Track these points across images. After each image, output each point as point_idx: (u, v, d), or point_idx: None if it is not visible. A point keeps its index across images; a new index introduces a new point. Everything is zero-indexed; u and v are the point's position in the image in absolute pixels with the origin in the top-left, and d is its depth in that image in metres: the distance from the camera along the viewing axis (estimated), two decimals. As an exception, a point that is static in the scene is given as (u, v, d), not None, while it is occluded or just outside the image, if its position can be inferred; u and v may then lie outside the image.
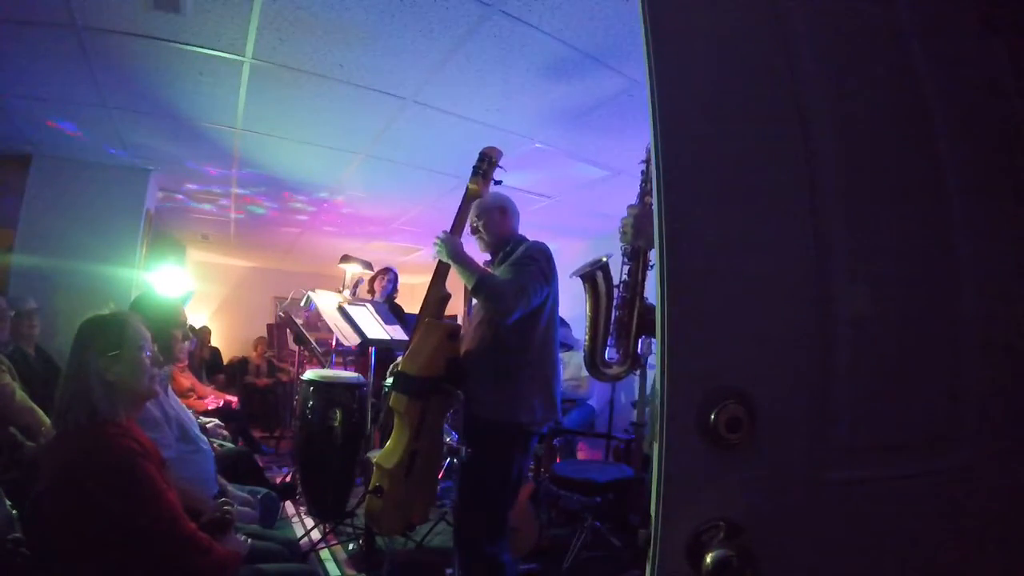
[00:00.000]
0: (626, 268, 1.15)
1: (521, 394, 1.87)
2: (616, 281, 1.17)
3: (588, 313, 1.18)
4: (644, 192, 1.22)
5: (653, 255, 1.12)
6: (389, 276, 3.99)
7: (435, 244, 2.00)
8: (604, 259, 1.21)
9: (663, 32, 0.64)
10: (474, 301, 2.00)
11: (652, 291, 1.13)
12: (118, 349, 1.33)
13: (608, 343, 1.16)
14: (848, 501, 0.65)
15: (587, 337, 1.19)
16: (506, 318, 1.83)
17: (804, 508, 0.63)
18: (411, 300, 3.87)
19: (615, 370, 1.15)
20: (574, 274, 1.24)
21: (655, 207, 0.63)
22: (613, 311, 1.15)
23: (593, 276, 1.16)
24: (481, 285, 1.85)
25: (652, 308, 1.17)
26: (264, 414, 5.93)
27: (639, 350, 1.15)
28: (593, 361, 1.16)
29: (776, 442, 0.62)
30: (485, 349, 1.92)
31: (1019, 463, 0.71)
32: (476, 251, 2.13)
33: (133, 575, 1.22)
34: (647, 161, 1.25)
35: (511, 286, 1.83)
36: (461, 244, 1.98)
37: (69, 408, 1.27)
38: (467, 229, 2.09)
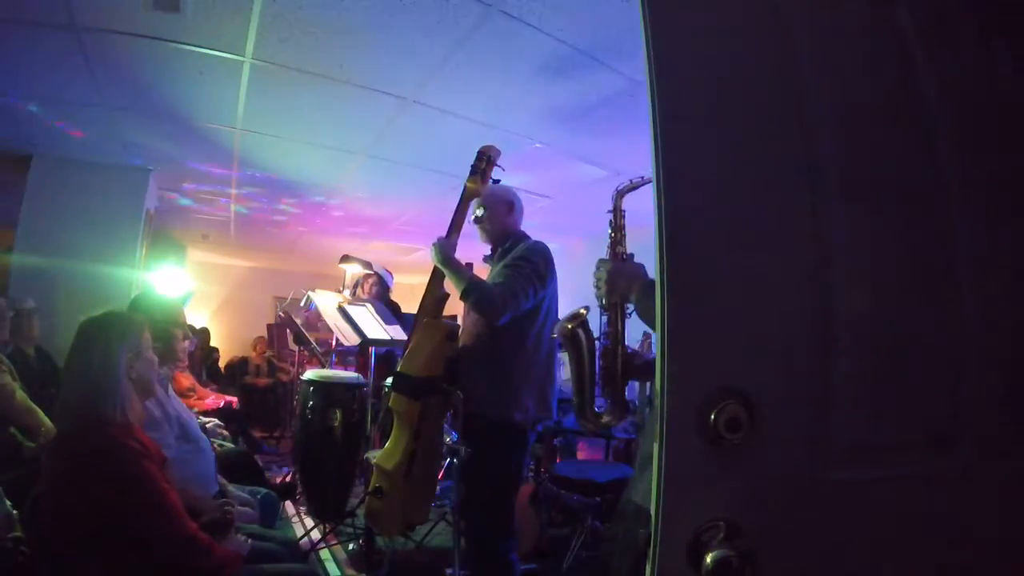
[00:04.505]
0: (604, 319, 1.16)
1: (514, 392, 1.88)
2: (596, 333, 1.18)
3: (572, 368, 1.18)
4: (615, 243, 1.22)
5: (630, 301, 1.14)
6: (373, 280, 3.84)
7: (431, 248, 2.01)
8: (583, 311, 1.21)
9: (663, 32, 0.64)
10: None
11: (630, 337, 1.15)
12: (139, 347, 1.37)
13: (596, 393, 1.17)
14: (848, 501, 0.65)
15: (574, 390, 1.19)
16: (494, 322, 1.84)
17: (804, 508, 0.63)
18: (411, 300, 3.86)
19: (606, 419, 1.16)
20: (555, 335, 1.24)
21: (655, 207, 0.63)
22: (597, 362, 1.16)
23: (574, 335, 1.16)
24: (470, 291, 1.86)
25: (635, 354, 1.18)
26: (264, 414, 5.92)
27: (626, 395, 1.16)
28: (584, 413, 1.17)
29: (776, 442, 0.62)
30: (480, 347, 1.93)
31: (1019, 463, 0.71)
32: (473, 246, 2.13)
33: (134, 575, 1.22)
34: (614, 210, 1.24)
35: (499, 291, 1.84)
36: (453, 248, 1.98)
37: (93, 404, 1.26)
38: (468, 220, 2.09)
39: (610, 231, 1.24)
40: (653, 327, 0.69)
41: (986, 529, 0.70)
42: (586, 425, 1.19)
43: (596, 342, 1.17)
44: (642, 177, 1.22)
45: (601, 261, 1.20)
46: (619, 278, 1.13)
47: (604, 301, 1.16)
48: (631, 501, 1.18)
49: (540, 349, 1.95)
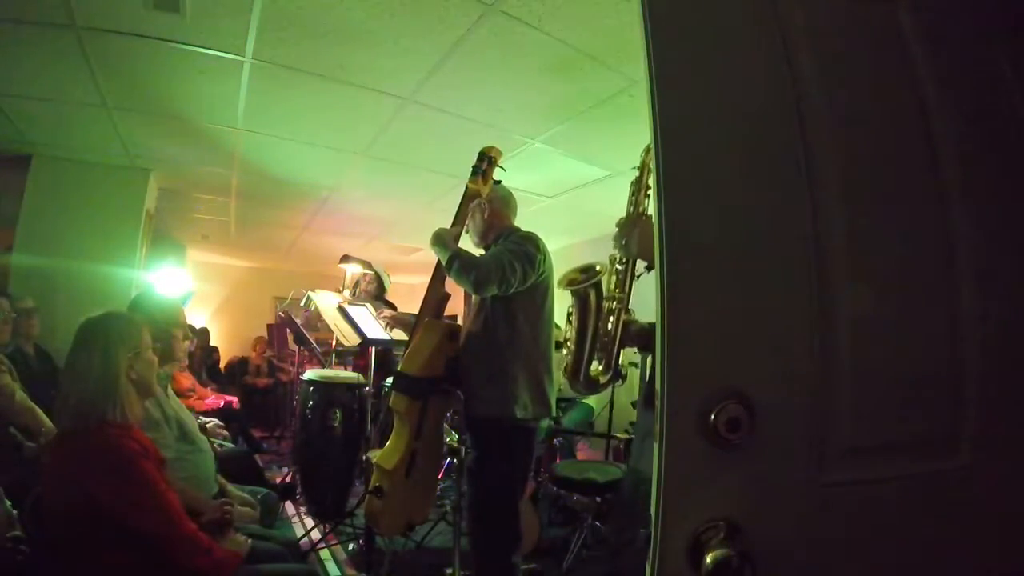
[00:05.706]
0: (614, 279, 1.13)
1: (511, 388, 1.87)
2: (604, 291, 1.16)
3: (575, 326, 1.16)
4: (638, 201, 1.17)
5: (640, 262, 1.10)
6: (369, 278, 3.85)
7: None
8: (599, 268, 1.18)
9: (663, 32, 0.64)
10: (473, 300, 2.00)
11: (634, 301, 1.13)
12: (138, 348, 1.38)
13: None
14: (848, 501, 0.65)
15: (572, 349, 1.17)
16: (480, 292, 1.82)
17: (804, 508, 0.63)
18: (410, 300, 3.85)
19: (603, 380, 1.15)
20: (565, 287, 1.21)
21: (655, 207, 0.63)
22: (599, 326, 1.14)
23: (585, 294, 1.14)
24: (454, 258, 1.84)
25: (632, 322, 1.15)
26: (264, 414, 5.92)
27: (619, 361, 1.15)
28: (577, 374, 1.15)
29: (776, 442, 0.62)
30: (479, 345, 1.93)
31: (1019, 463, 0.71)
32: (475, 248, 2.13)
33: (134, 575, 1.22)
34: (641, 167, 1.20)
35: (484, 259, 1.84)
36: (453, 236, 1.96)
37: (93, 404, 1.26)
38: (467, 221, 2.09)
39: (633, 187, 1.18)
40: None
41: (986, 529, 0.70)
42: (576, 387, 1.18)
43: (604, 303, 1.15)
44: None
45: (631, 219, 1.14)
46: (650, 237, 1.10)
47: (630, 257, 1.11)
48: (636, 470, 1.15)
49: (535, 343, 1.94)
